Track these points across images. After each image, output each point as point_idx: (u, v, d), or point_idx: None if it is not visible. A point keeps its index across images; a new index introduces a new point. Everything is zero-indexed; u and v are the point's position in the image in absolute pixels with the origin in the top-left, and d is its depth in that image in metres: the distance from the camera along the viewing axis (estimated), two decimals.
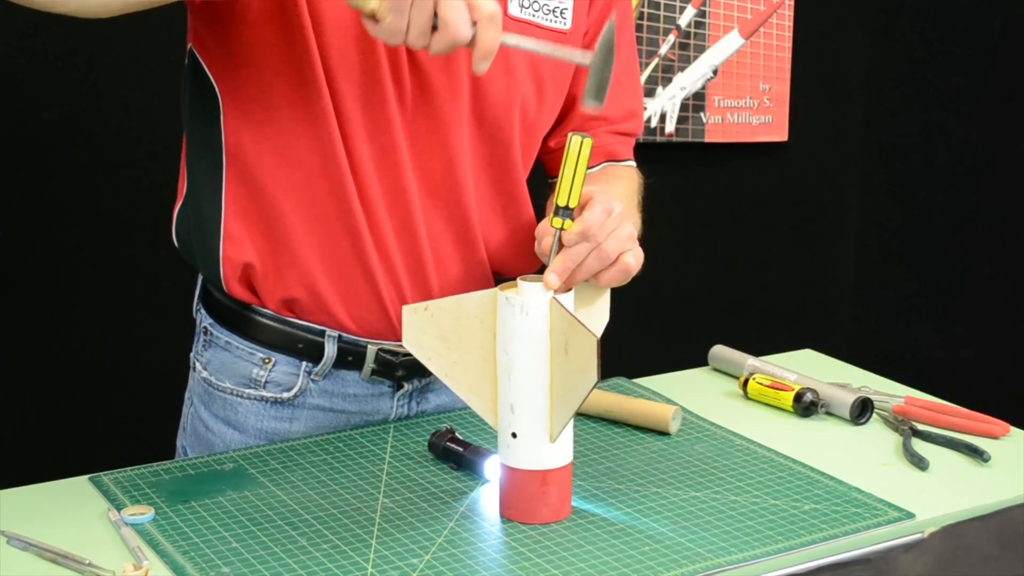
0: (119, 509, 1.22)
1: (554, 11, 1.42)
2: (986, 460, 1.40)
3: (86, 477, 1.30)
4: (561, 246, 1.22)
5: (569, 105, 1.51)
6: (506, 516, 1.23)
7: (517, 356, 1.17)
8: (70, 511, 1.23)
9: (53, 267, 2.21)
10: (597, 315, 1.27)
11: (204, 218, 1.41)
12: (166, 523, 1.20)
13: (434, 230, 1.41)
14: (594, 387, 1.13)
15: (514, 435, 1.19)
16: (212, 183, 1.39)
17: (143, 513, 1.21)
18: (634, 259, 1.27)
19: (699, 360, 1.73)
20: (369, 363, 1.43)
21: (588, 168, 1.52)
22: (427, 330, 1.20)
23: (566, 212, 1.20)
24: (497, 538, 1.18)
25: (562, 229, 1.20)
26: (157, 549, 1.15)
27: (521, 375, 1.17)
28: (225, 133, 1.37)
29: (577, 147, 1.18)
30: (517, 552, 1.15)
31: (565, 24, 1.44)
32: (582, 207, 1.23)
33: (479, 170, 1.43)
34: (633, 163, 1.58)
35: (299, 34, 1.30)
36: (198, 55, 1.38)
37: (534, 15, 1.41)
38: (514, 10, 1.40)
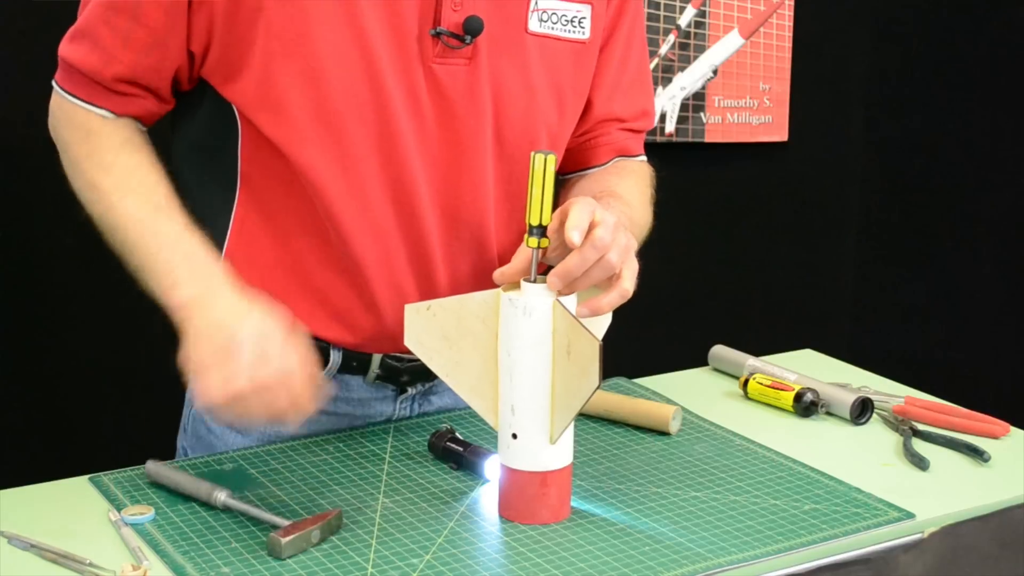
0: (119, 509, 1.22)
1: (572, 21, 1.40)
2: (986, 460, 1.40)
3: (86, 477, 1.30)
4: (540, 265, 1.20)
5: (586, 107, 1.49)
6: (505, 516, 1.23)
7: (519, 357, 1.17)
8: (70, 511, 1.23)
9: (53, 267, 2.21)
10: (599, 318, 1.27)
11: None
12: (166, 523, 1.20)
13: (451, 255, 1.39)
14: (595, 391, 1.13)
15: (514, 436, 1.19)
16: (220, 207, 1.37)
17: (143, 513, 1.21)
18: (631, 279, 1.23)
19: (699, 360, 1.73)
20: (374, 369, 1.43)
21: (601, 164, 1.53)
22: (429, 330, 1.20)
23: (540, 231, 1.18)
24: (497, 538, 1.18)
25: (539, 248, 1.18)
26: (157, 549, 1.15)
27: (523, 376, 1.17)
28: (241, 160, 1.35)
29: (542, 165, 1.16)
30: (517, 552, 1.15)
31: (584, 34, 1.41)
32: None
33: (499, 191, 1.40)
34: (643, 158, 1.57)
35: (306, 75, 1.28)
36: (214, 85, 1.34)
37: (553, 28, 1.38)
38: (534, 26, 1.37)
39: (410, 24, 1.29)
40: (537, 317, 1.16)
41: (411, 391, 1.48)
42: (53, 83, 1.35)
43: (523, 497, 1.21)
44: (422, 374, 1.45)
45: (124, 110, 1.32)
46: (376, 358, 1.42)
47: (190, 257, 1.27)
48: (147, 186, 1.30)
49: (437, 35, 1.30)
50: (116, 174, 1.30)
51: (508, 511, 1.23)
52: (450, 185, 1.36)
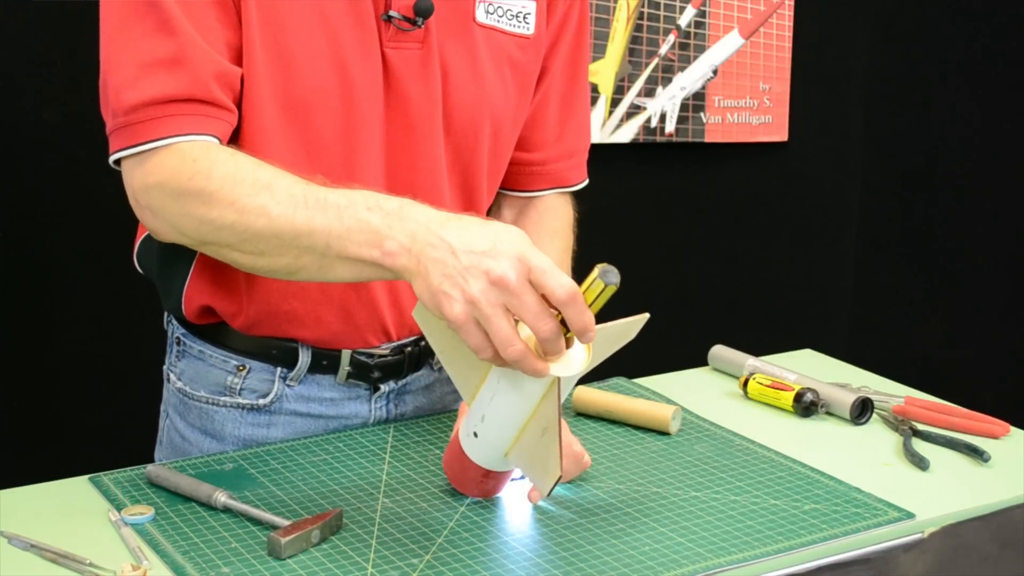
0: (119, 509, 1.22)
1: (517, 16, 1.43)
2: (986, 460, 1.40)
3: (86, 477, 1.30)
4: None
5: (536, 141, 1.51)
6: (444, 469, 1.27)
7: (505, 389, 1.15)
8: (70, 511, 1.23)
9: (53, 266, 2.21)
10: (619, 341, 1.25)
11: (173, 257, 1.39)
12: (166, 523, 1.20)
13: None
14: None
15: (475, 435, 1.19)
16: None
17: (143, 513, 1.21)
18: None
19: (699, 360, 1.73)
20: (344, 366, 1.43)
21: (538, 190, 1.54)
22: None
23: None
24: (497, 538, 1.19)
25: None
26: (157, 549, 1.15)
27: (500, 407, 1.16)
28: None
29: (597, 293, 1.11)
30: (517, 552, 1.16)
31: (528, 29, 1.44)
32: None
33: (452, 178, 1.42)
34: (582, 184, 1.58)
35: (276, 63, 1.29)
36: None
37: (498, 21, 1.42)
38: (481, 16, 1.40)
39: (368, 9, 1.32)
40: (532, 381, 1.12)
41: (384, 388, 1.47)
42: (125, 152, 1.23)
43: (465, 475, 1.24)
44: (393, 370, 1.45)
45: (225, 132, 1.25)
46: (345, 355, 1.42)
47: (373, 205, 1.15)
48: (281, 176, 1.20)
49: (389, 19, 1.32)
50: (253, 182, 1.19)
51: (447, 471, 1.27)
52: (405, 171, 1.38)
